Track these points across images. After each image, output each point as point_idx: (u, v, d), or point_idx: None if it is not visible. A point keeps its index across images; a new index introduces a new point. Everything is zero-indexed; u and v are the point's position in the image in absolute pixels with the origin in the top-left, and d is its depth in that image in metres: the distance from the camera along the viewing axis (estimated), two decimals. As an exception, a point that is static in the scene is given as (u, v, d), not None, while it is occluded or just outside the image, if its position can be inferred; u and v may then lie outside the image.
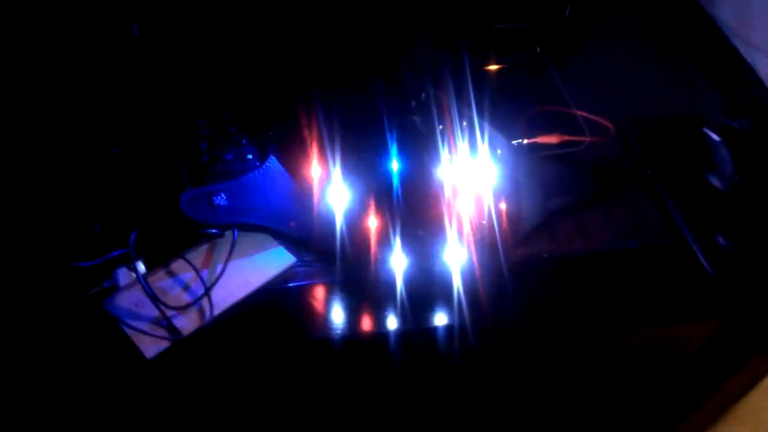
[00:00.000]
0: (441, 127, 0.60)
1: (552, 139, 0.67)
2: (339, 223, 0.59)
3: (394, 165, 0.57)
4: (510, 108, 0.72)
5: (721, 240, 0.62)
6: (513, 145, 0.67)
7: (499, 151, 0.65)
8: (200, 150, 0.67)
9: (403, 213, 0.57)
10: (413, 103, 0.61)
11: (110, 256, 0.57)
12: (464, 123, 0.62)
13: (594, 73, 0.81)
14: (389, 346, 0.60)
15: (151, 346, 0.54)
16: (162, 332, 0.55)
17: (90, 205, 0.63)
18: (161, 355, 0.54)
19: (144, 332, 0.54)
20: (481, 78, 0.75)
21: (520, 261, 0.62)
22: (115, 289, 0.57)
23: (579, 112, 0.72)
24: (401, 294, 0.58)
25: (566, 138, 0.67)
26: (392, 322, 0.58)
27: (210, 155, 0.66)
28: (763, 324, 0.76)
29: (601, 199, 0.66)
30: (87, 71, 0.72)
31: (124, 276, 0.57)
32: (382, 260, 0.58)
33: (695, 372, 0.94)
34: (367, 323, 0.59)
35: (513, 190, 0.62)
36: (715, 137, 0.67)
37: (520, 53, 0.78)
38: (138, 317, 0.56)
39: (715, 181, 0.66)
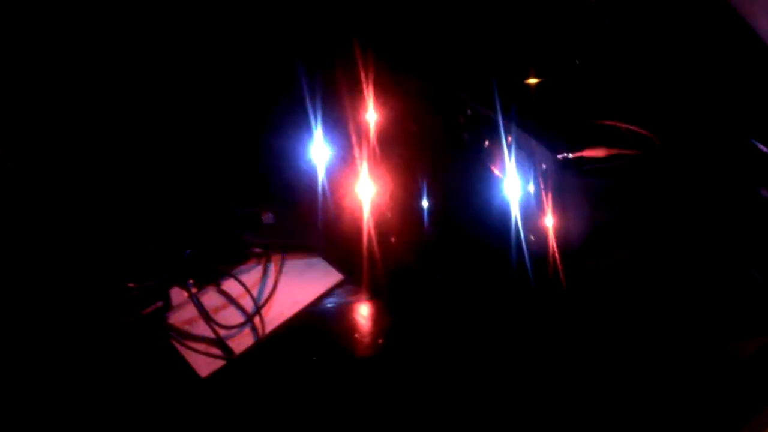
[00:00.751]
0: (488, 143, 0.60)
1: (598, 152, 0.66)
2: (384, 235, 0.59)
3: (443, 184, 0.57)
4: (553, 121, 0.71)
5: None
6: (558, 159, 0.66)
7: (544, 166, 0.64)
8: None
9: (453, 230, 0.57)
10: (461, 119, 0.61)
11: (165, 276, 0.58)
12: (509, 139, 0.62)
13: (635, 84, 0.80)
14: (438, 365, 0.60)
15: (205, 365, 0.55)
16: (215, 351, 0.55)
17: (144, 225, 0.65)
18: (215, 374, 0.54)
19: (198, 351, 0.55)
20: (522, 92, 0.74)
21: (569, 274, 0.61)
22: (169, 308, 0.58)
23: (623, 125, 0.71)
24: (451, 312, 0.58)
25: (613, 151, 0.67)
26: (442, 343, 0.58)
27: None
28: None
29: (648, 212, 0.65)
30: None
31: (177, 295, 0.58)
32: (433, 276, 0.58)
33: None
34: (415, 341, 0.59)
35: (560, 204, 0.61)
36: (765, 148, 0.66)
37: (560, 66, 0.78)
38: (191, 336, 0.56)
39: (765, 192, 0.65)
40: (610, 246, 0.63)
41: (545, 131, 0.69)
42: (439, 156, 0.58)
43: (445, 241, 0.57)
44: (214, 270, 0.61)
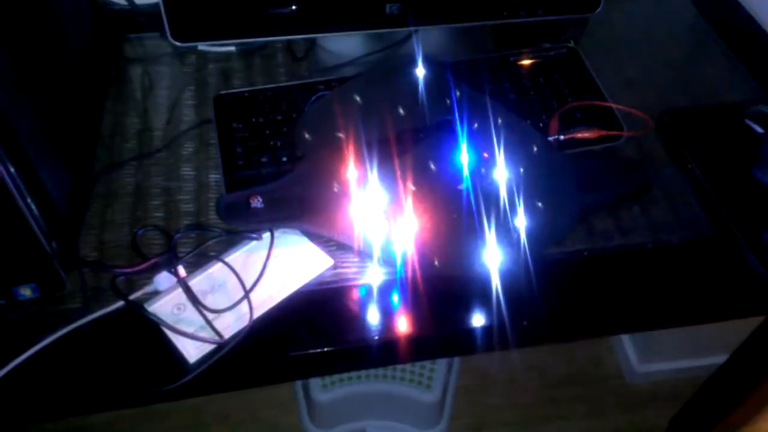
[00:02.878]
0: (477, 125, 0.59)
1: (589, 134, 0.66)
2: (374, 223, 0.59)
3: (432, 165, 0.56)
4: (545, 103, 0.71)
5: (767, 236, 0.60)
6: (550, 141, 0.66)
7: (535, 148, 0.64)
8: (236, 154, 0.67)
9: (440, 213, 0.56)
10: (447, 101, 0.60)
11: (153, 261, 0.58)
12: (499, 121, 0.61)
13: (628, 65, 0.80)
14: (425, 348, 0.60)
15: (194, 350, 0.55)
16: (204, 335, 0.55)
17: (130, 209, 0.64)
18: (204, 358, 0.54)
19: (186, 335, 0.55)
20: (514, 73, 0.74)
21: (559, 259, 0.61)
22: (155, 293, 0.58)
23: (616, 105, 0.71)
24: (436, 296, 0.58)
25: (604, 133, 0.66)
26: (428, 325, 0.58)
27: (246, 159, 0.67)
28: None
29: (642, 195, 0.65)
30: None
31: (165, 280, 0.58)
32: (420, 262, 0.58)
33: (737, 368, 0.92)
34: (403, 325, 0.58)
35: (550, 187, 0.61)
36: (760, 129, 0.65)
37: (553, 47, 0.77)
38: (179, 322, 0.56)
39: (760, 175, 0.65)
40: (601, 231, 0.63)
41: (536, 113, 0.68)
42: (425, 138, 0.57)
43: (436, 225, 0.56)
44: (202, 254, 0.60)
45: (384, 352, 0.59)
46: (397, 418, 1.25)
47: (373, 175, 0.57)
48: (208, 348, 0.55)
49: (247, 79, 0.79)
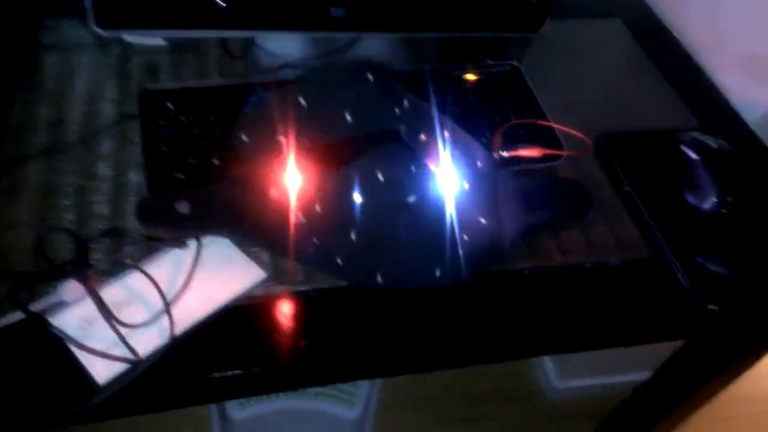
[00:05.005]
0: (423, 137, 0.57)
1: (533, 152, 0.65)
2: (310, 231, 0.55)
3: (376, 174, 0.53)
4: (488, 119, 0.70)
5: (701, 259, 0.61)
6: (493, 157, 0.64)
7: (479, 164, 0.62)
8: (161, 153, 0.62)
9: (380, 226, 0.53)
10: (396, 110, 0.58)
11: (58, 268, 0.52)
12: (446, 133, 0.60)
13: (567, 86, 0.80)
14: (359, 368, 0.57)
15: (104, 370, 0.49)
16: (116, 353, 0.49)
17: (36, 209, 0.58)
18: (115, 379, 0.49)
19: (95, 353, 0.49)
20: (458, 87, 0.72)
21: (499, 277, 0.60)
22: (61, 304, 0.52)
23: (557, 125, 0.70)
24: (370, 313, 0.55)
25: (547, 151, 0.66)
26: (361, 343, 0.55)
27: (171, 160, 0.62)
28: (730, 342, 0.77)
29: (581, 215, 0.65)
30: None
31: (71, 289, 0.52)
32: (356, 274, 0.55)
33: (658, 387, 0.94)
34: (334, 344, 0.55)
35: (493, 203, 0.59)
36: (694, 155, 0.67)
37: (497, 64, 0.76)
38: (88, 337, 0.50)
39: (693, 200, 0.66)
40: (543, 248, 0.62)
41: (478, 128, 0.67)
42: (372, 147, 0.54)
43: (377, 237, 0.53)
44: (117, 261, 0.55)
45: (315, 373, 0.55)
46: (318, 437, 1.21)
47: (315, 183, 0.53)
48: (120, 367, 0.49)
49: (176, 75, 0.73)
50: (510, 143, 0.67)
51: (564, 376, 1.42)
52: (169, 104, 0.65)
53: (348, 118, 0.55)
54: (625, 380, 1.34)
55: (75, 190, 0.61)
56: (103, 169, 0.63)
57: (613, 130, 0.73)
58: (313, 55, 0.75)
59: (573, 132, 0.70)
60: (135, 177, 0.63)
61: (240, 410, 1.10)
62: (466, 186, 0.57)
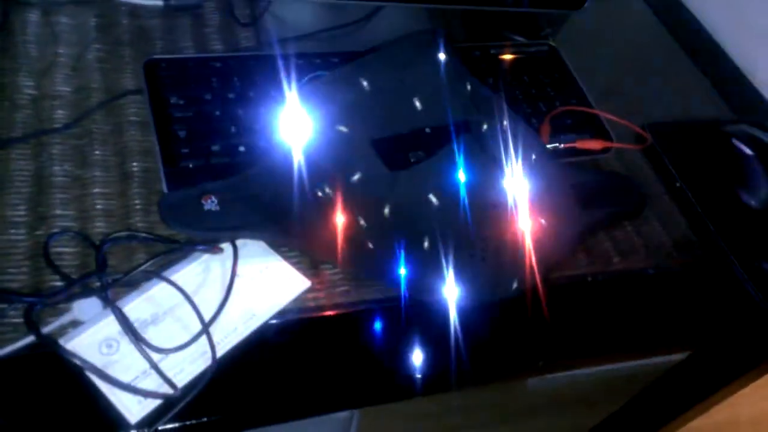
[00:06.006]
0: (486, 128, 0.51)
1: (593, 144, 0.60)
2: (366, 235, 0.48)
3: (458, 176, 0.46)
4: (531, 104, 0.63)
5: (766, 265, 0.58)
6: (549, 149, 0.59)
7: (534, 157, 0.56)
8: (179, 139, 0.52)
9: (452, 233, 0.46)
10: (464, 97, 0.51)
11: (73, 280, 0.43)
12: (505, 123, 0.53)
13: (600, 71, 0.75)
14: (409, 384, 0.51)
15: (136, 406, 0.41)
16: (149, 384, 0.41)
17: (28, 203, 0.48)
18: (150, 416, 0.40)
19: (124, 386, 0.41)
20: (497, 68, 0.66)
21: (559, 285, 0.55)
22: (78, 324, 0.43)
23: (604, 114, 0.65)
24: (418, 324, 0.49)
25: (608, 144, 0.60)
26: (415, 356, 0.49)
27: (191, 146, 0.52)
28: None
29: (638, 213, 0.60)
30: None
31: (90, 306, 0.43)
32: (420, 286, 0.48)
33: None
34: (388, 355, 0.49)
35: (559, 206, 0.54)
36: (748, 150, 0.63)
37: (532, 43, 0.70)
38: (112, 364, 0.42)
39: (747, 197, 0.63)
40: (600, 253, 0.58)
41: (523, 114, 0.61)
42: (442, 143, 0.47)
43: (447, 245, 0.46)
44: (142, 270, 0.46)
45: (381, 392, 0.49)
46: None
47: (374, 180, 0.46)
48: (154, 403, 0.41)
49: (171, 42, 0.63)
50: (560, 132, 0.62)
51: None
52: (180, 78, 0.56)
53: (417, 104, 0.48)
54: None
55: (73, 181, 0.51)
56: (104, 155, 0.53)
57: (654, 120, 0.68)
58: (332, 25, 0.67)
59: (621, 121, 0.65)
60: (140, 164, 0.53)
61: None
62: (534, 186, 0.51)
